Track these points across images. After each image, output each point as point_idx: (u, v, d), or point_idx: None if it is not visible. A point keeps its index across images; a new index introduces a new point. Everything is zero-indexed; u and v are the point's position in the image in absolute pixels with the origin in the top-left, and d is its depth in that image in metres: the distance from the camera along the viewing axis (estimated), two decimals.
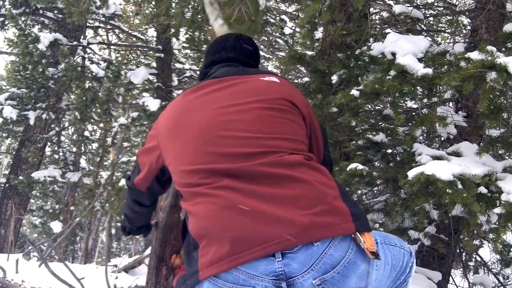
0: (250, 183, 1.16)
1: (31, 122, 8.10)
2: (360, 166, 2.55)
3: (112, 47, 11.47)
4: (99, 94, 7.90)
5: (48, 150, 10.68)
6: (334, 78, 2.99)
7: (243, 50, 1.60)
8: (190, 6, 4.54)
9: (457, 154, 2.42)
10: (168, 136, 1.37)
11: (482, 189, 2.07)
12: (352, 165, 2.58)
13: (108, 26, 10.01)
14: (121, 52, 12.50)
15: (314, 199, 1.14)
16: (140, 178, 1.50)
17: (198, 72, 10.44)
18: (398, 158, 2.93)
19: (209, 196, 1.18)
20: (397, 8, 3.14)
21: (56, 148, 10.30)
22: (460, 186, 2.00)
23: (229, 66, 1.53)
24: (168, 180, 1.53)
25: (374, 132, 3.14)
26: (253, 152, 1.21)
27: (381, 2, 3.70)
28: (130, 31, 10.64)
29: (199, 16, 4.41)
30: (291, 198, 1.14)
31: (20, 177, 8.00)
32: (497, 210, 2.04)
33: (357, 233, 1.14)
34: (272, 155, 1.21)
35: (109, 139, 10.86)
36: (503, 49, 2.83)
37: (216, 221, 1.14)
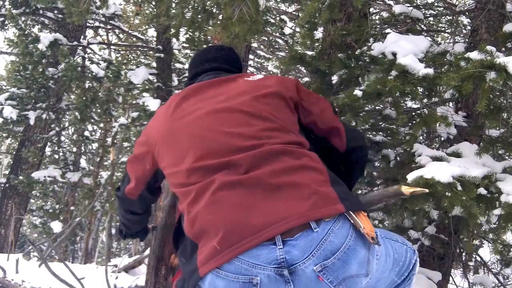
0: (240, 174, 1.20)
1: (31, 122, 8.09)
2: None
3: (112, 47, 11.46)
4: (99, 94, 7.89)
5: (48, 150, 10.68)
6: (335, 78, 2.99)
7: (225, 59, 1.65)
8: (190, 7, 4.54)
9: (457, 155, 2.42)
10: (162, 140, 1.40)
11: (482, 190, 2.07)
12: None
13: (108, 26, 10.01)
14: (121, 52, 12.50)
15: (301, 185, 1.16)
16: (131, 187, 1.53)
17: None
18: (398, 158, 2.93)
19: (203, 193, 1.20)
20: (397, 8, 3.14)
21: (56, 148, 10.30)
22: (459, 188, 2.00)
23: (214, 74, 1.57)
24: (158, 188, 1.59)
25: (374, 132, 3.14)
26: (243, 146, 1.25)
27: (381, 2, 3.70)
28: (130, 31, 10.63)
29: (199, 16, 4.41)
30: (278, 186, 1.16)
31: (20, 177, 7.99)
32: (497, 211, 2.04)
33: (354, 217, 1.15)
34: (260, 147, 1.24)
35: (109, 139, 10.86)
36: (503, 49, 2.83)
37: (212, 216, 1.16)
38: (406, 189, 1.40)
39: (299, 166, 1.21)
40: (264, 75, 1.53)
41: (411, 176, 2.08)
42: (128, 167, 1.55)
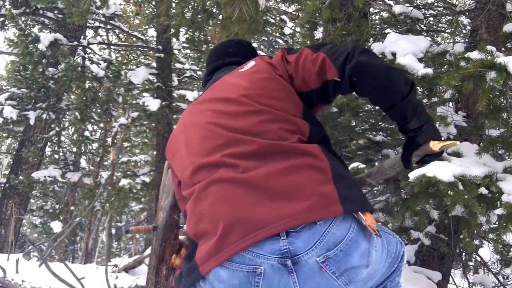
0: (240, 173, 1.20)
1: (31, 122, 8.10)
2: (362, 165, 2.56)
3: (112, 47, 11.47)
4: (99, 94, 7.90)
5: (48, 150, 10.69)
6: None
7: (245, 54, 1.64)
8: (190, 6, 4.55)
9: (458, 155, 2.43)
10: (171, 151, 1.47)
11: (483, 190, 2.07)
12: (354, 164, 2.58)
13: (108, 26, 10.01)
14: (121, 52, 12.51)
15: (301, 186, 1.16)
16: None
17: (198, 73, 10.45)
18: None
19: (204, 191, 1.22)
20: (397, 8, 3.14)
21: (56, 148, 10.32)
22: (461, 187, 2.00)
23: (227, 69, 1.58)
24: None
25: (374, 132, 3.15)
26: (239, 139, 1.25)
27: (381, 2, 3.70)
28: (130, 31, 10.63)
29: (199, 16, 4.42)
30: (278, 186, 1.16)
31: (20, 177, 7.99)
32: (498, 211, 2.05)
33: (359, 212, 1.16)
34: (257, 143, 1.23)
35: (109, 139, 10.87)
36: (503, 49, 2.84)
37: (214, 214, 1.17)
38: (435, 144, 1.32)
39: (300, 166, 1.20)
40: (256, 61, 1.48)
41: (413, 175, 2.09)
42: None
